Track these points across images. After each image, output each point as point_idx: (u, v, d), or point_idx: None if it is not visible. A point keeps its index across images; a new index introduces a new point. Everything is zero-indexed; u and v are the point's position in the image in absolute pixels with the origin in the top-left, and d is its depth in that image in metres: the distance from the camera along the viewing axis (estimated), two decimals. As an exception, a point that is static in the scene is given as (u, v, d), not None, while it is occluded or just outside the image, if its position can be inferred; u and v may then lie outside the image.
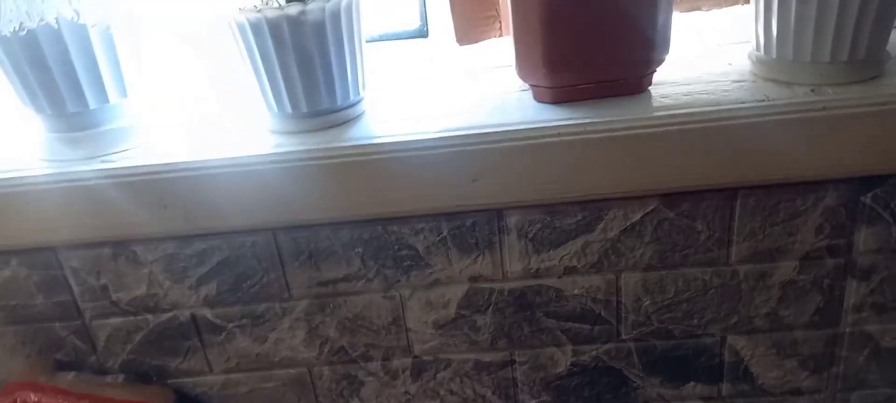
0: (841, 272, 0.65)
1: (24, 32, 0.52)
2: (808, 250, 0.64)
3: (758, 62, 0.63)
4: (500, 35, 0.74)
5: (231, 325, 0.72)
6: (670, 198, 0.63)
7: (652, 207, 0.63)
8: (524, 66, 0.62)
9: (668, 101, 0.60)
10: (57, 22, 0.52)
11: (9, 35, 0.52)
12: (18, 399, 0.69)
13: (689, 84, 0.64)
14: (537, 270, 0.67)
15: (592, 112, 0.60)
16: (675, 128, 0.57)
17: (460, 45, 0.73)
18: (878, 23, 0.56)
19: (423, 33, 0.78)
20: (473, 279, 0.68)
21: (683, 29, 0.76)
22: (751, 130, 0.57)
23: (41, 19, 0.50)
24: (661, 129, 0.57)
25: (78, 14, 0.50)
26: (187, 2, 0.52)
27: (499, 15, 0.73)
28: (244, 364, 0.74)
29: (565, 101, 0.62)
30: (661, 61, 0.62)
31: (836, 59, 0.57)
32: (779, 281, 0.66)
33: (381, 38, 0.78)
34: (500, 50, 0.76)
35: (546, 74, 0.60)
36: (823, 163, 0.58)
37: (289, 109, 0.62)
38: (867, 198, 0.61)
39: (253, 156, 0.61)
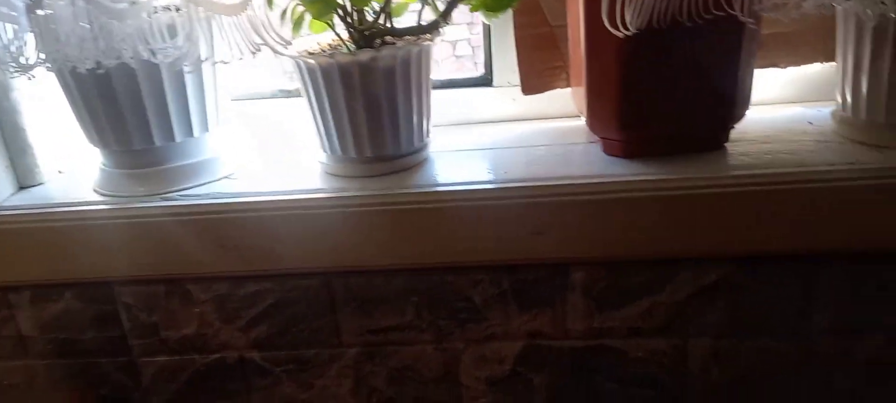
0: (933, 351, 0.61)
1: (102, 71, 0.52)
2: (897, 326, 0.60)
3: (843, 122, 0.60)
4: (567, 85, 0.72)
5: (278, 370, 0.70)
6: (747, 262, 0.59)
7: (726, 271, 0.60)
8: (596, 117, 0.60)
9: (747, 159, 0.57)
10: (133, 61, 0.53)
11: (85, 73, 0.52)
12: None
13: (768, 142, 0.61)
14: (600, 330, 0.64)
15: (667, 168, 0.57)
16: (757, 188, 0.54)
17: (525, 94, 0.71)
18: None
19: (487, 81, 0.77)
20: (532, 335, 0.65)
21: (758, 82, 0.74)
22: (840, 194, 0.53)
23: (118, 58, 0.50)
24: (741, 189, 0.55)
25: (154, 54, 0.50)
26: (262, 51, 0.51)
27: (566, 65, 0.71)
28: (289, 411, 0.72)
29: (637, 156, 0.60)
30: (740, 117, 0.59)
31: (933, 124, 0.54)
32: (864, 359, 0.61)
33: (446, 86, 0.77)
34: (563, 99, 0.74)
35: (619, 127, 0.58)
36: (918, 233, 0.55)
37: (353, 154, 0.61)
38: (963, 273, 0.57)
39: (313, 198, 0.60)
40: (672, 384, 0.65)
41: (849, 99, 0.58)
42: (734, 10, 0.50)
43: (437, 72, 0.77)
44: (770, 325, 0.62)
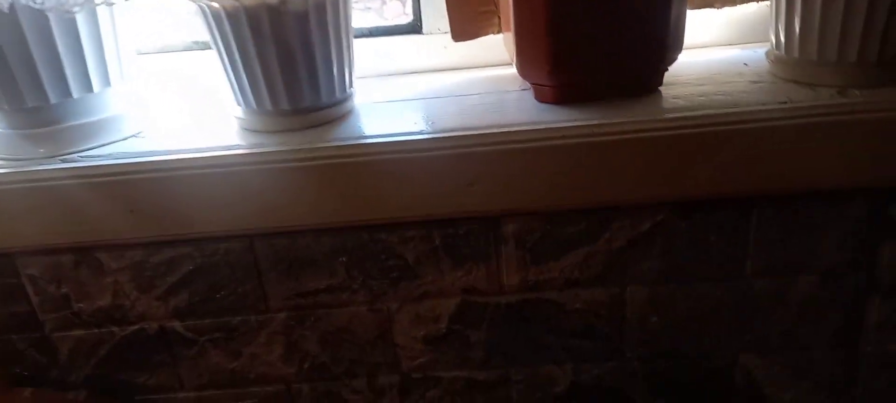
0: (863, 289, 0.61)
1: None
2: (829, 265, 0.60)
3: (777, 62, 0.58)
4: (499, 31, 0.69)
5: (203, 339, 0.66)
6: (682, 207, 0.58)
7: (661, 217, 0.58)
8: (526, 63, 0.57)
9: (681, 103, 0.56)
10: (10, 7, 0.47)
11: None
12: (-31, 419, 0.63)
13: (702, 84, 0.59)
14: (536, 282, 0.62)
15: (599, 113, 0.55)
16: (691, 131, 0.52)
17: (455, 41, 0.68)
18: (909, 21, 0.52)
19: (416, 29, 0.73)
20: (467, 291, 0.63)
21: (694, 26, 0.72)
22: (772, 134, 0.52)
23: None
24: (674, 132, 0.53)
25: (33, -3, 0.45)
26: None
27: (498, 9, 0.68)
28: (217, 381, 0.69)
29: (569, 102, 0.57)
30: (673, 60, 0.57)
31: (864, 60, 0.53)
32: (796, 297, 0.61)
33: (372, 34, 0.73)
34: (498, 47, 0.71)
35: (550, 72, 0.55)
36: (848, 171, 0.54)
37: (268, 106, 0.57)
38: (894, 210, 0.57)
39: (229, 156, 0.55)
40: (611, 333, 0.64)
41: (782, 38, 0.57)
42: (665, -56, 0.48)
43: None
44: (706, 269, 0.61)
